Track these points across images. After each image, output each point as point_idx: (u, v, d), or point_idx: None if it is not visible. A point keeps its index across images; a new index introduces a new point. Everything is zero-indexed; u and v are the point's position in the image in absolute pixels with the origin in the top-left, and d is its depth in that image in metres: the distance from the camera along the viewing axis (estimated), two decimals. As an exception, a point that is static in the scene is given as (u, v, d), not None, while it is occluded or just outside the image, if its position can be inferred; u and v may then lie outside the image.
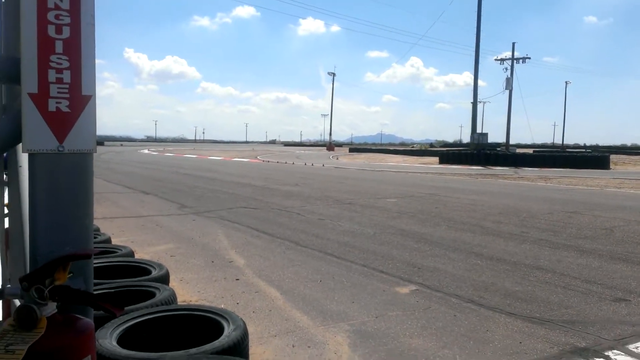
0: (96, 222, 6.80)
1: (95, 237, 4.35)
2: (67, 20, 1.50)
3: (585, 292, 4.34)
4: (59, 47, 1.49)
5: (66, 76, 1.50)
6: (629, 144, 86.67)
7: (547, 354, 3.06)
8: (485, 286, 4.49)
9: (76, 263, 1.41)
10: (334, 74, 71.17)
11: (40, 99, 1.46)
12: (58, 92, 1.48)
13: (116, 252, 3.75)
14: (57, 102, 1.48)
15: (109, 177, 16.56)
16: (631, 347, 3.17)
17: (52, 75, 1.48)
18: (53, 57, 1.48)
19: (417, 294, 4.27)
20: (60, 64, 1.49)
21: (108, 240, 4.44)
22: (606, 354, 3.06)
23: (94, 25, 1.54)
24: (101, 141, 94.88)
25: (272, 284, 4.53)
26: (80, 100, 1.51)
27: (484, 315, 3.73)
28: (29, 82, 1.46)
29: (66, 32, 1.50)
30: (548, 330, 3.43)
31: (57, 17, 1.48)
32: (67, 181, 1.48)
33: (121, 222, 7.86)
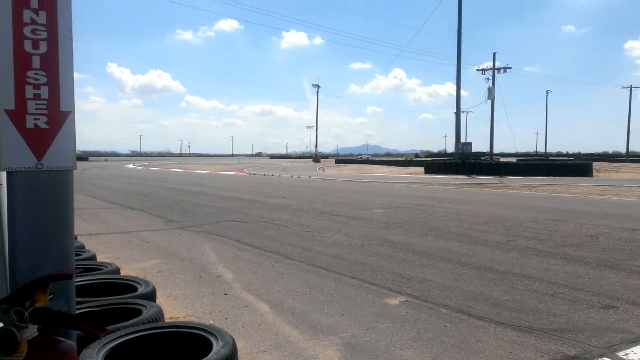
0: (81, 239, 6.66)
1: (79, 254, 4.23)
2: (44, 34, 1.45)
3: (573, 299, 4.37)
4: (36, 62, 1.44)
5: (44, 92, 1.45)
6: (610, 151, 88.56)
7: (537, 363, 3.05)
8: (474, 296, 4.49)
9: (57, 283, 1.37)
10: (318, 86, 71.70)
11: (18, 115, 1.42)
12: (36, 109, 1.44)
13: (101, 269, 3.66)
14: (35, 119, 1.43)
15: (93, 193, 16.29)
16: (620, 354, 3.18)
17: (29, 91, 1.43)
18: (30, 73, 1.44)
19: (406, 305, 4.25)
20: (38, 79, 1.44)
21: (93, 257, 4.34)
22: (596, 361, 3.07)
23: (71, 39, 1.50)
24: (85, 156, 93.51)
25: (261, 298, 4.46)
26: (59, 116, 1.47)
27: (473, 325, 3.72)
28: (6, 99, 1.41)
29: (43, 47, 1.45)
30: (538, 339, 3.43)
31: (33, 31, 1.44)
32: (46, 199, 1.43)
33: (107, 238, 7.71)
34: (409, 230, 8.32)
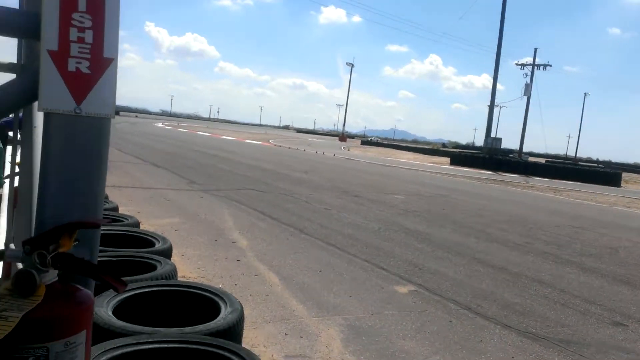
0: (106, 190, 6.86)
1: (104, 203, 4.37)
2: None
3: (584, 312, 4.30)
4: (82, 5, 1.41)
5: (88, 36, 1.42)
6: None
7: (538, 370, 3.04)
8: (484, 295, 4.46)
9: (83, 231, 1.38)
10: (352, 65, 70.47)
11: (60, 57, 1.40)
12: (79, 52, 1.41)
13: (122, 221, 3.77)
14: (77, 62, 1.41)
15: (122, 147, 16.68)
16: (625, 372, 3.14)
17: (73, 34, 1.40)
18: (75, 15, 1.41)
19: (415, 295, 4.27)
20: (83, 22, 1.41)
21: (115, 209, 4.48)
22: (599, 376, 3.04)
23: None
24: (117, 111, 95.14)
25: (272, 269, 4.55)
26: (101, 62, 1.44)
27: (479, 325, 3.72)
28: (49, 39, 1.39)
29: None
30: (542, 348, 3.41)
31: None
32: (82, 145, 1.43)
33: (130, 192, 7.93)
34: (428, 220, 8.27)
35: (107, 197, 4.94)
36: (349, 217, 7.75)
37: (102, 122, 1.47)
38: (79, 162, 1.43)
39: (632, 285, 5.36)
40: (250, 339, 3.00)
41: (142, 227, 5.30)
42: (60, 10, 1.41)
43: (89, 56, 1.42)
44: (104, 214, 3.80)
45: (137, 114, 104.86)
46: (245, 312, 3.32)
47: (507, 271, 5.40)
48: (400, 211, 8.92)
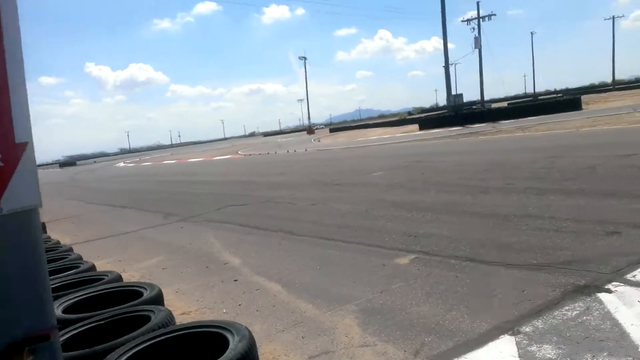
0: (79, 247, 6.64)
1: (77, 266, 4.18)
2: None
3: (577, 231, 4.43)
4: None
5: None
6: (597, 82, 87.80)
7: (550, 297, 3.11)
8: (481, 243, 4.54)
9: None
10: (305, 58, 70.30)
11: None
12: None
13: (102, 279, 3.58)
14: None
15: (86, 197, 16.25)
16: (629, 276, 3.25)
17: None
18: None
19: (416, 262, 4.30)
20: None
21: (92, 268, 4.26)
22: (607, 287, 3.13)
23: (22, 59, 1.30)
24: (73, 161, 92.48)
25: (272, 279, 4.50)
26: (14, 149, 1.28)
27: (484, 272, 3.78)
28: None
29: None
30: (548, 275, 3.49)
31: None
32: (11, 247, 1.25)
33: (104, 243, 7.68)
34: (411, 189, 8.35)
35: (80, 258, 4.73)
36: (334, 206, 7.75)
37: (29, 215, 1.32)
38: (11, 267, 1.26)
39: (616, 196, 5.54)
40: (269, 353, 2.97)
41: (126, 275, 5.17)
42: None
43: None
44: (81, 277, 3.66)
45: (95, 159, 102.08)
46: (257, 327, 3.29)
47: (496, 215, 5.50)
48: (382, 187, 8.98)
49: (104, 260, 6.25)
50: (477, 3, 42.07)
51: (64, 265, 4.26)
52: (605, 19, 69.81)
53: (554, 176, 7.41)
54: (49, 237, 6.60)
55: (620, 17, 73.38)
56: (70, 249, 5.35)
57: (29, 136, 1.32)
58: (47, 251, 4.64)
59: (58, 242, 6.04)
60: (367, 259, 4.65)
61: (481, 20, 41.30)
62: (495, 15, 42.33)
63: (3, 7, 1.25)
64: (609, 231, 4.29)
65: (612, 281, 3.21)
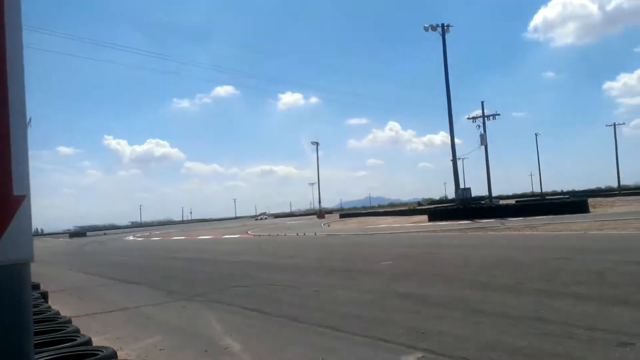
0: (78, 320, 6.53)
1: (73, 339, 4.13)
2: None
3: (589, 339, 4.31)
4: None
5: None
6: (602, 186, 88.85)
7: (562, 411, 2.98)
8: (491, 345, 4.41)
9: None
10: (317, 143, 73.21)
11: None
12: None
13: (96, 354, 3.54)
14: None
15: (91, 270, 16.13)
16: (644, 393, 3.12)
17: None
18: None
19: (423, 360, 4.17)
20: None
21: (88, 342, 4.20)
22: (621, 404, 3.00)
23: (25, 114, 1.30)
24: (83, 232, 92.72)
25: (273, 368, 4.37)
26: (11, 202, 1.27)
27: (493, 376, 3.65)
28: None
29: None
30: (559, 385, 3.36)
31: None
32: None
33: (105, 317, 7.55)
34: (419, 281, 8.25)
35: (77, 331, 4.68)
36: (341, 294, 7.64)
37: (20, 270, 1.28)
38: None
39: (627, 304, 5.43)
40: None
41: (122, 353, 5.04)
42: None
43: None
44: (75, 351, 3.61)
45: (106, 231, 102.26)
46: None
47: (507, 315, 5.39)
48: (390, 277, 8.88)
49: (102, 336, 6.12)
50: (482, 102, 44.18)
51: (60, 337, 4.21)
52: (607, 125, 72.40)
53: (563, 279, 7.31)
54: (49, 307, 6.53)
55: (621, 124, 76.32)
56: (69, 321, 5.28)
57: (27, 190, 1.30)
58: (45, 321, 4.63)
59: (58, 313, 5.96)
60: (372, 353, 4.53)
61: (486, 119, 43.08)
62: (499, 115, 44.15)
63: (9, 61, 1.28)
64: (621, 341, 4.17)
65: (627, 397, 3.08)
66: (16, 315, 1.24)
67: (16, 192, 1.28)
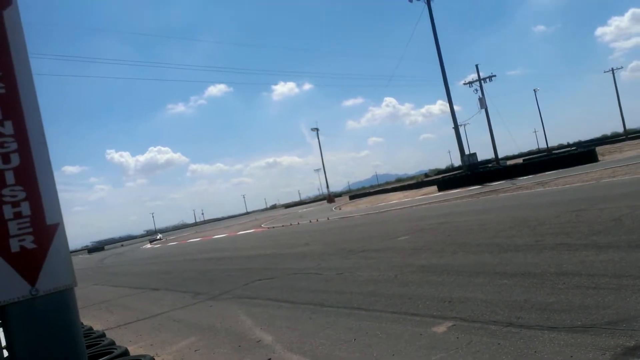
0: (111, 332, 6.66)
1: (111, 352, 4.21)
2: (14, 145, 1.31)
3: (618, 287, 4.30)
4: (10, 178, 1.30)
5: (25, 208, 1.30)
6: (608, 133, 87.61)
7: (600, 362, 2.99)
8: (520, 305, 4.43)
9: None
10: (317, 129, 72.80)
11: (0, 241, 1.25)
12: (19, 229, 1.29)
13: None
14: (19, 240, 1.28)
15: (115, 282, 16.36)
16: (680, 334, 3.12)
17: (8, 211, 1.28)
18: (5, 191, 1.29)
19: (454, 329, 4.20)
20: (16, 195, 1.29)
21: (125, 353, 4.30)
22: (658, 347, 3.01)
23: (45, 144, 1.35)
24: (101, 246, 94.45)
25: (307, 355, 4.42)
26: (46, 231, 1.31)
27: (527, 336, 3.67)
28: None
29: (15, 160, 1.30)
30: (594, 337, 3.37)
31: (1, 145, 1.30)
32: (48, 328, 1.24)
33: (137, 326, 7.68)
34: (438, 251, 8.26)
35: (113, 343, 4.76)
36: (362, 274, 7.68)
37: (64, 295, 1.32)
38: (49, 347, 1.22)
39: (650, 248, 5.40)
40: None
41: (159, 359, 5.12)
42: None
43: (31, 230, 1.30)
44: None
45: (122, 243, 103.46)
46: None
47: (531, 274, 5.39)
48: (409, 252, 8.90)
49: (136, 344, 6.23)
50: (476, 66, 43.72)
51: (98, 351, 4.30)
52: (605, 72, 71.27)
53: (582, 230, 7.28)
54: (82, 324, 6.66)
55: (619, 68, 75.17)
56: (103, 334, 5.39)
57: (59, 217, 1.34)
58: None
59: (90, 328, 6.08)
60: (402, 328, 4.56)
61: (482, 81, 42.60)
62: (495, 76, 43.76)
63: (22, 95, 1.33)
64: (650, 285, 4.16)
65: (664, 339, 3.09)
66: (68, 337, 1.28)
67: (49, 220, 1.32)
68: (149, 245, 50.04)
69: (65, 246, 1.33)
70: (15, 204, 1.29)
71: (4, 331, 1.25)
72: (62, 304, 1.30)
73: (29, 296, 1.24)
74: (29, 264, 1.26)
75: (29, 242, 1.28)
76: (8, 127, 1.31)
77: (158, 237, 51.77)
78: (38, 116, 1.36)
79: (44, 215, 1.32)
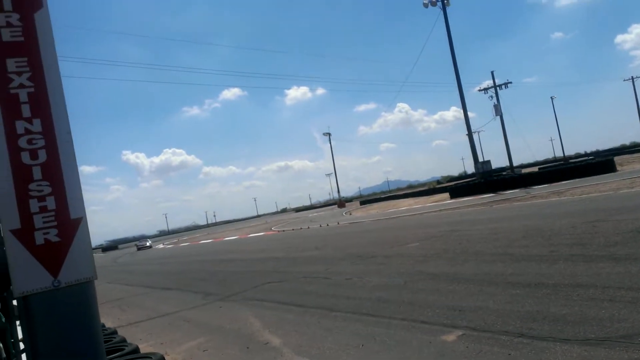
0: (122, 330, 6.74)
1: (122, 349, 4.28)
2: (42, 142, 1.37)
3: (633, 300, 4.21)
4: (37, 173, 1.35)
5: (50, 203, 1.35)
6: (627, 143, 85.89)
7: (614, 376, 2.93)
8: (532, 316, 4.36)
9: None
10: (329, 134, 72.78)
11: (25, 233, 1.30)
12: (44, 222, 1.34)
13: None
14: (44, 233, 1.33)
15: (128, 280, 16.54)
16: (698, 350, 3.04)
17: (34, 205, 1.33)
18: (32, 186, 1.34)
19: (464, 338, 4.15)
20: (42, 190, 1.34)
21: (136, 350, 4.36)
22: (675, 363, 2.93)
23: (71, 142, 1.39)
24: (115, 245, 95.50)
25: (314, 359, 4.41)
26: (70, 225, 1.35)
27: (538, 348, 3.61)
28: (10, 218, 1.31)
29: (42, 156, 1.36)
30: (608, 350, 3.30)
31: (29, 141, 1.35)
32: (69, 319, 1.28)
33: (148, 325, 7.76)
34: (449, 259, 8.18)
35: (124, 340, 4.84)
36: (372, 280, 7.65)
37: (85, 287, 1.35)
38: (69, 338, 1.26)
39: (668, 261, 5.28)
40: None
41: (169, 358, 5.17)
42: (15, 186, 1.32)
43: (55, 223, 1.34)
44: (127, 359, 3.72)
45: (136, 242, 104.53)
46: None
47: (544, 285, 5.31)
48: (419, 259, 8.84)
49: (146, 343, 6.29)
50: (492, 72, 43.11)
51: (109, 347, 4.38)
52: (624, 80, 69.88)
53: (598, 241, 7.15)
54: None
55: (639, 77, 73.59)
56: (115, 332, 5.48)
57: (82, 212, 1.38)
58: None
59: (103, 325, 6.19)
60: (411, 335, 4.52)
61: (498, 88, 42.10)
62: (511, 83, 43.08)
63: (52, 100, 1.39)
64: (668, 300, 4.07)
65: (680, 355, 3.01)
66: (88, 328, 1.31)
67: (73, 215, 1.38)
68: (161, 246, 50.46)
69: (87, 240, 1.36)
70: (41, 199, 1.34)
71: (26, 322, 1.27)
72: (82, 296, 1.33)
73: (52, 287, 1.28)
74: (53, 256, 1.30)
75: (53, 235, 1.32)
76: (37, 125, 1.37)
77: (147, 244, 51.55)
78: (65, 115, 1.40)
79: (68, 210, 1.36)
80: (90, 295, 1.36)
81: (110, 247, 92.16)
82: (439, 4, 34.58)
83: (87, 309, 1.34)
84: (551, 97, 78.03)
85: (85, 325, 1.30)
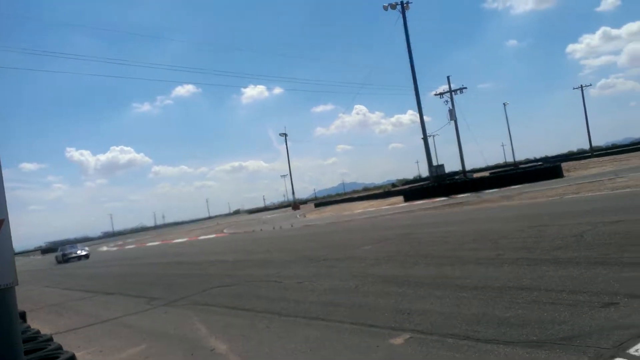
0: (59, 337, 6.27)
1: (56, 357, 3.97)
2: None
3: (574, 303, 4.32)
4: None
5: None
6: (575, 149, 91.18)
7: (555, 378, 2.95)
8: (477, 318, 4.38)
9: None
10: (285, 135, 72.38)
11: None
12: None
13: None
14: None
15: (67, 285, 15.61)
16: (631, 350, 3.12)
17: None
18: None
19: (411, 342, 4.10)
20: None
21: (72, 358, 4.04)
22: (611, 364, 2.99)
23: None
24: (55, 247, 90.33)
25: (261, 365, 4.23)
26: None
27: (483, 350, 3.60)
28: None
29: None
30: (549, 352, 3.33)
31: None
32: None
33: (87, 331, 7.29)
34: (400, 262, 8.22)
35: (60, 348, 4.48)
36: (323, 284, 7.54)
37: (4, 294, 1.26)
38: None
39: (607, 264, 5.50)
40: None
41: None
42: None
43: None
44: None
45: (78, 245, 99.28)
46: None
47: (490, 288, 5.39)
48: (371, 262, 8.83)
49: (84, 350, 5.93)
50: (448, 77, 44.39)
51: (43, 355, 4.05)
52: (574, 88, 73.66)
53: (543, 245, 7.40)
54: (29, 327, 6.28)
55: (588, 86, 78.17)
56: (50, 339, 5.10)
57: (4, 214, 1.28)
58: (25, 341, 4.48)
59: (38, 332, 5.74)
60: (360, 339, 4.43)
61: (453, 93, 43.39)
62: (466, 88, 44.43)
63: None
64: (605, 302, 4.20)
65: (615, 357, 3.07)
66: (5, 338, 1.20)
67: None
68: (105, 248, 48.09)
69: (9, 244, 1.28)
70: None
71: None
72: (1, 303, 1.25)
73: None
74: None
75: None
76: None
77: (79, 253, 34.17)
78: None
79: None
80: (9, 303, 1.26)
81: (51, 249, 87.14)
82: (399, 7, 35.31)
83: (5, 317, 1.24)
84: (504, 103, 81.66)
85: (4, 334, 1.22)
